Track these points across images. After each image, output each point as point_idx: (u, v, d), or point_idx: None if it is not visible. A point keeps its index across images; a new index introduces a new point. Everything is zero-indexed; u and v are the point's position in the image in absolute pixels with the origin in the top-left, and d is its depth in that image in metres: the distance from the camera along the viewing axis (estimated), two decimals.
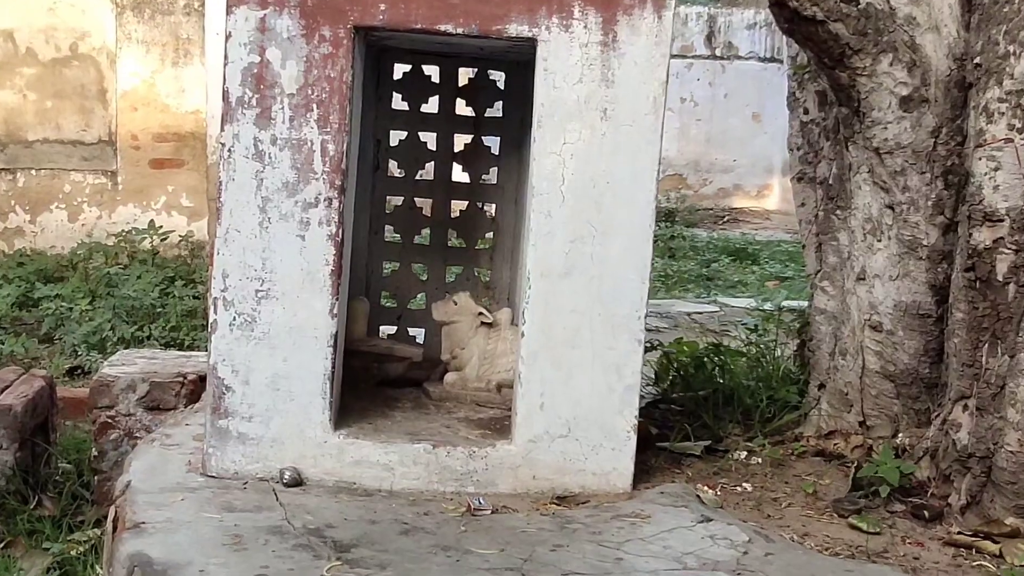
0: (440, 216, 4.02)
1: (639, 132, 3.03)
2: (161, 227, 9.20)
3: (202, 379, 4.00)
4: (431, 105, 3.95)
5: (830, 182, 3.65)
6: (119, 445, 4.23)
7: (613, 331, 3.11)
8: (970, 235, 3.03)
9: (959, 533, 2.89)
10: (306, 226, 3.02)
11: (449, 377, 3.64)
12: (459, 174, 4.07)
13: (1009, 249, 2.96)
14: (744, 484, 3.26)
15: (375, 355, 3.72)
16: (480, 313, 3.63)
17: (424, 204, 4.03)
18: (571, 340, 3.10)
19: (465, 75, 3.95)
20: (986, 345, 3.02)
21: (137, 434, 4.19)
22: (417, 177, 4.04)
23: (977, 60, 3.07)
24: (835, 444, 3.50)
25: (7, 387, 4.38)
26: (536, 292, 3.07)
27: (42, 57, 9.44)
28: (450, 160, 4.01)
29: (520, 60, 3.37)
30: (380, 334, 3.94)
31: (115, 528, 2.96)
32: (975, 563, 2.76)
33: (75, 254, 8.93)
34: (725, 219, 14.90)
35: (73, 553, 3.94)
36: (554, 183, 3.02)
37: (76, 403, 4.98)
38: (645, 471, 3.25)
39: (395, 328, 3.97)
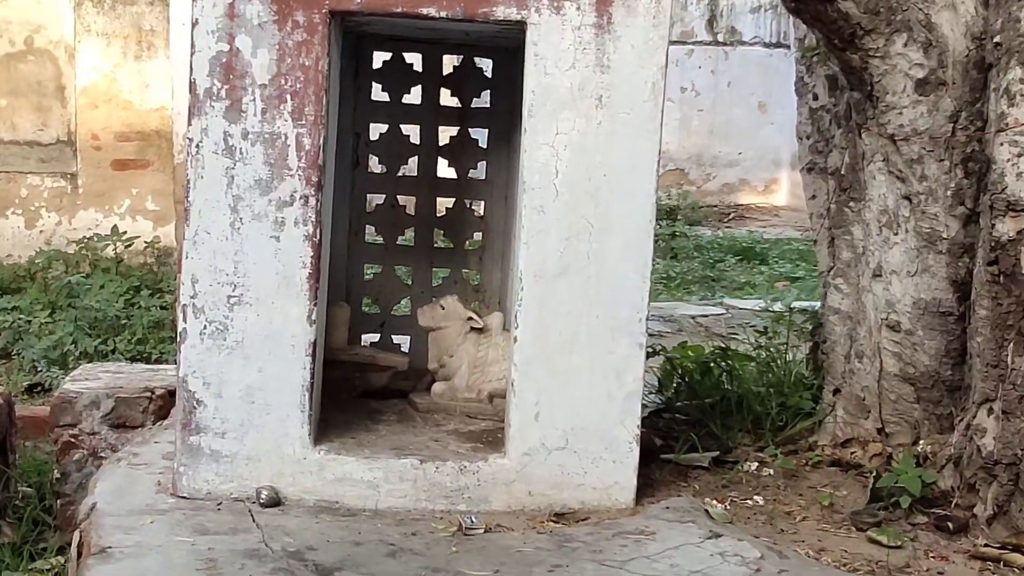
0: (425, 215, 4.02)
1: (637, 120, 3.05)
2: (125, 233, 9.10)
3: (171, 394, 3.98)
4: (413, 96, 3.94)
5: (842, 172, 3.65)
6: (83, 466, 4.17)
7: (612, 335, 3.10)
8: (992, 226, 3.03)
9: (986, 545, 2.89)
10: (281, 226, 3.01)
11: (437, 387, 3.63)
12: (445, 169, 4.08)
13: None
14: (755, 497, 3.27)
15: (357, 364, 3.72)
16: (469, 318, 3.63)
17: (408, 202, 4.01)
18: (568, 345, 3.09)
19: (450, 63, 3.96)
20: (1011, 344, 3.02)
21: (102, 454, 4.14)
22: (400, 173, 4.02)
23: (997, 39, 3.09)
24: (852, 453, 3.50)
25: None
26: (529, 294, 3.08)
27: None
28: (435, 154, 4.01)
29: (509, 46, 3.38)
30: (362, 342, 3.95)
31: (80, 554, 2.95)
32: None
33: (33, 263, 8.85)
34: (730, 216, 14.96)
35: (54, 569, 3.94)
36: (547, 176, 3.02)
37: (36, 422, 4.95)
38: (649, 485, 3.25)
39: (378, 335, 3.99)
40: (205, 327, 3.02)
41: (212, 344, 3.04)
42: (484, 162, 3.98)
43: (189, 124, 3.10)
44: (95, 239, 8.98)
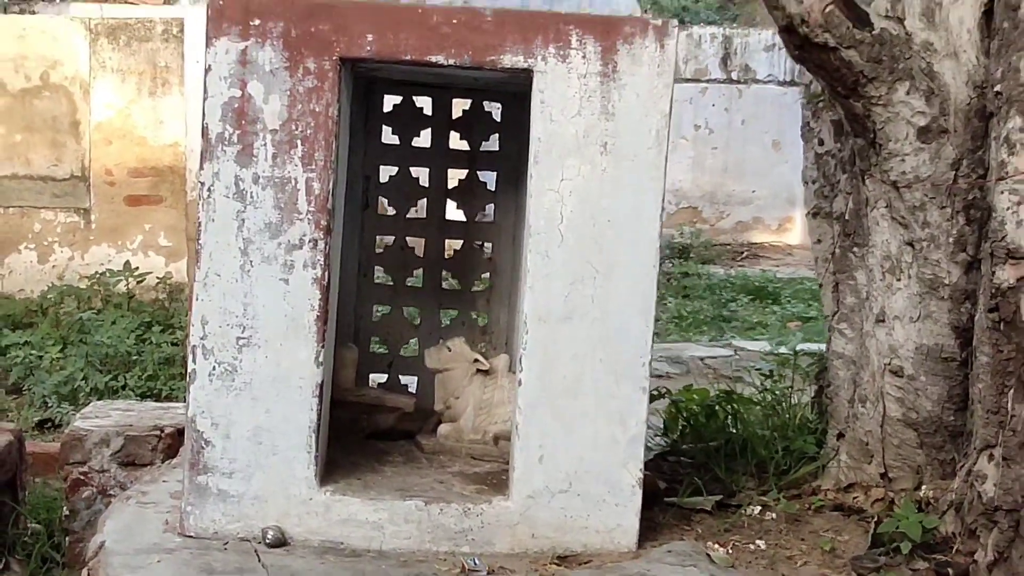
0: (433, 256, 4.03)
1: (642, 167, 3.08)
2: (137, 268, 9.14)
3: (180, 432, 3.99)
4: (423, 139, 3.97)
5: (847, 217, 3.66)
6: (92, 503, 4.22)
7: (616, 378, 3.12)
8: (993, 273, 3.03)
9: None
10: (290, 269, 3.05)
11: (443, 429, 3.65)
12: (453, 212, 4.09)
13: None
14: (757, 541, 3.26)
15: (364, 405, 3.72)
16: (476, 360, 3.63)
17: (416, 244, 4.03)
18: (572, 388, 3.11)
19: (459, 107, 3.98)
20: (1012, 391, 2.99)
21: (111, 491, 4.18)
22: (409, 215, 4.05)
23: (998, 88, 3.08)
24: (855, 497, 3.48)
25: None
26: (534, 338, 3.10)
27: (11, 87, 9.41)
28: (444, 197, 4.04)
29: (517, 91, 3.39)
30: (370, 383, 3.94)
31: None
32: None
33: (45, 298, 8.85)
34: (743, 255, 14.93)
35: None
36: (552, 222, 3.06)
37: (46, 458, 4.97)
38: (652, 528, 3.26)
39: (386, 376, 3.97)
40: (214, 368, 3.06)
41: (221, 385, 3.07)
42: (492, 204, 4.02)
43: (201, 168, 3.12)
44: (107, 274, 9.02)
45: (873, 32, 3.25)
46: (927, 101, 3.25)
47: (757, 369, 4.69)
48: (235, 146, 3.01)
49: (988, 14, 3.23)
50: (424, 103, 3.94)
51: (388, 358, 4.00)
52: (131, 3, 16.83)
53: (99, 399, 6.49)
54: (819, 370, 4.04)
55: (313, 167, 3.03)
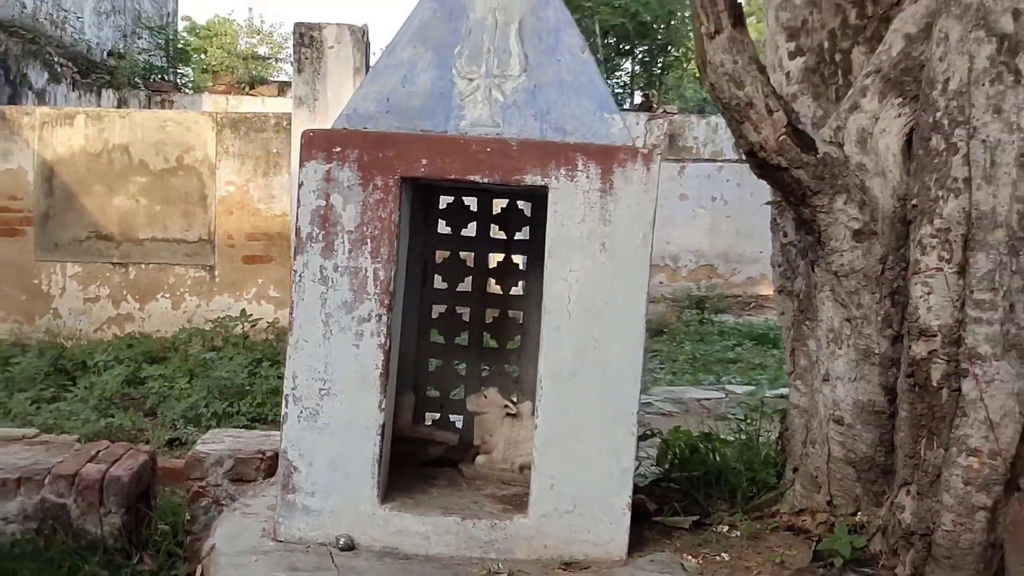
0: (476, 321, 4.08)
1: (632, 262, 3.18)
2: (251, 315, 9.41)
3: (277, 456, 3.96)
4: (470, 229, 4.04)
5: (801, 296, 3.70)
6: (208, 511, 4.30)
7: (611, 425, 3.19)
8: (910, 347, 3.15)
9: None
10: (360, 337, 3.18)
11: (479, 459, 3.73)
12: (493, 287, 4.14)
13: (941, 360, 3.06)
14: (723, 554, 3.31)
15: (418, 440, 3.78)
16: (505, 405, 3.74)
17: (463, 311, 4.08)
18: (577, 432, 3.19)
19: (498, 205, 4.05)
20: (924, 440, 3.10)
21: (223, 502, 4.27)
22: (458, 289, 4.10)
23: (914, 201, 3.19)
24: (804, 520, 3.51)
25: (117, 460, 4.52)
26: (547, 392, 3.21)
27: (152, 168, 9.72)
28: (485, 275, 4.09)
29: (543, 194, 3.43)
30: (426, 419, 3.97)
31: None
32: None
33: (177, 338, 9.10)
34: (751, 306, 14.81)
35: None
36: (561, 303, 3.17)
37: (174, 472, 5.05)
38: (640, 541, 3.30)
39: (438, 415, 3.99)
40: (301, 412, 3.19)
41: (306, 425, 3.20)
42: (523, 281, 4.03)
43: (294, 259, 3.26)
44: (227, 319, 9.31)
45: (817, 156, 3.31)
46: (860, 210, 3.32)
47: (733, 414, 4.64)
48: (320, 243, 3.15)
49: (908, 142, 3.30)
50: (471, 202, 4.02)
51: (440, 401, 4.02)
52: (252, 94, 17.25)
53: (217, 423, 6.75)
54: (782, 415, 4.04)
55: (379, 259, 3.14)
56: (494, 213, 4.05)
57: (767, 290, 15.34)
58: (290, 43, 25.12)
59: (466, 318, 4.09)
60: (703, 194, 15.74)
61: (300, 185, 3.17)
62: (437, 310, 4.08)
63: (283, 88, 18.43)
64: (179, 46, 19.65)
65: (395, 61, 3.31)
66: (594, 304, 3.17)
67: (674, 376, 9.44)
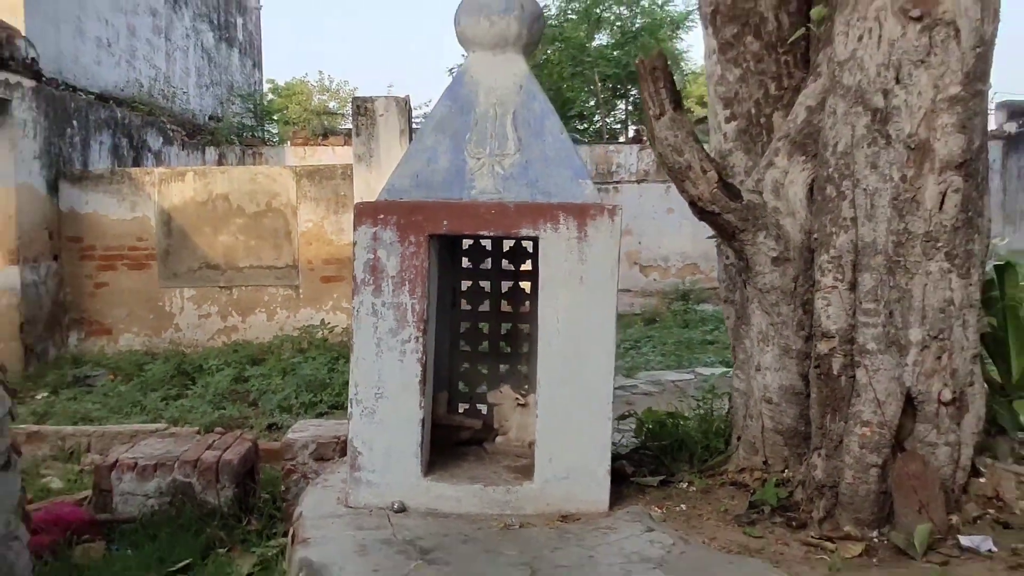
0: (494, 333, 4.12)
1: (603, 291, 3.25)
2: (329, 323, 9.34)
3: (345, 443, 3.90)
4: (487, 263, 4.11)
5: (739, 305, 3.74)
6: (298, 483, 4.38)
7: (592, 414, 3.26)
8: (816, 345, 3.21)
9: (813, 537, 3.02)
10: (404, 354, 3.28)
11: (498, 439, 3.84)
12: (506, 306, 4.15)
13: (839, 355, 3.14)
14: (681, 505, 3.36)
15: (452, 427, 3.85)
16: (517, 398, 3.85)
17: (484, 326, 4.12)
18: (566, 420, 3.27)
19: (508, 244, 4.04)
20: (829, 415, 3.17)
21: (308, 476, 4.33)
22: (479, 309, 4.13)
23: (816, 235, 3.26)
24: (744, 477, 3.56)
25: (228, 447, 4.63)
26: (544, 391, 3.29)
27: (248, 211, 9.69)
28: (499, 298, 4.11)
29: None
30: (457, 410, 4.06)
31: (292, 541, 3.20)
32: (819, 556, 2.87)
33: (271, 344, 9.08)
34: None
35: (269, 554, 4.01)
36: (552, 324, 3.25)
37: (272, 452, 5.08)
38: (620, 497, 3.36)
39: (467, 406, 4.08)
40: (363, 411, 3.29)
41: (367, 420, 3.30)
42: (528, 302, 4.00)
43: (353, 298, 3.33)
44: (310, 327, 9.26)
45: (742, 203, 3.37)
46: (776, 242, 3.39)
47: (692, 396, 4.64)
48: (371, 286, 3.26)
49: (810, 190, 3.33)
50: (487, 243, 4.04)
51: (468, 395, 4.11)
52: (324, 144, 17.34)
53: (305, 411, 6.79)
54: (728, 397, 4.07)
55: (415, 296, 3.25)
56: (504, 250, 4.08)
57: None
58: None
59: (486, 331, 4.12)
60: (686, 208, 15.39)
61: (355, 244, 3.25)
62: (464, 326, 4.12)
63: (348, 137, 18.55)
64: (264, 108, 19.73)
65: (421, 147, 3.39)
66: (576, 324, 3.25)
67: (663, 358, 9.20)
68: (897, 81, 2.98)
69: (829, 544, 2.93)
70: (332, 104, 28.18)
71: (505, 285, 4.12)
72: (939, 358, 3.02)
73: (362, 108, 8.26)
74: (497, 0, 3.42)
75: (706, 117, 4.10)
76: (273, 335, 9.39)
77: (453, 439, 3.83)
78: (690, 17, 20.33)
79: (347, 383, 7.35)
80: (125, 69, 12.15)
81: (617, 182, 15.59)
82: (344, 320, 9.38)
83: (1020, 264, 3.78)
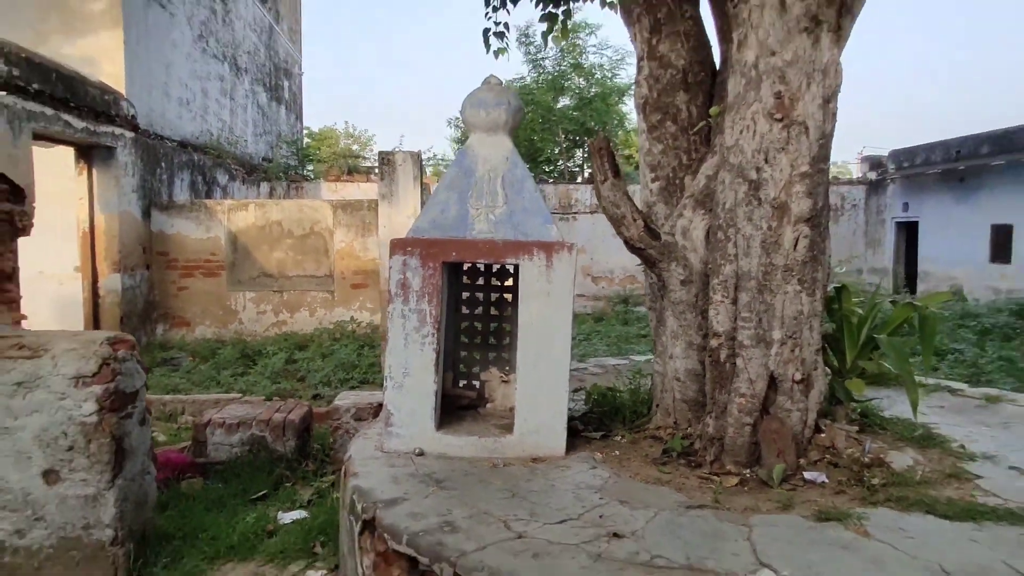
0: (486, 330, 4.10)
1: (563, 303, 3.34)
2: (357, 319, 9.57)
3: (379, 407, 4.22)
4: (480, 280, 4.10)
5: (658, 312, 3.76)
6: (342, 437, 4.51)
7: (554, 388, 3.35)
8: (709, 341, 3.33)
9: (705, 473, 3.13)
10: (423, 346, 3.38)
11: (488, 406, 3.90)
12: (493, 312, 4.11)
13: (725, 348, 3.23)
14: (615, 452, 3.43)
15: (456, 396, 3.90)
16: (501, 376, 3.91)
17: (479, 325, 4.10)
18: (536, 393, 3.35)
19: (496, 267, 3.98)
20: (717, 389, 3.28)
21: (351, 432, 4.50)
22: (475, 312, 4.10)
23: (710, 265, 3.36)
24: (660, 432, 3.61)
25: (291, 410, 4.79)
26: (520, 372, 3.37)
27: (296, 234, 9.90)
28: (490, 306, 4.10)
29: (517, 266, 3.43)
30: (459, 384, 4.03)
31: (344, 475, 3.27)
32: (709, 485, 2.98)
33: (313, 335, 9.28)
34: None
35: (322, 487, 4.25)
36: (528, 325, 3.35)
37: (320, 415, 5.32)
38: (573, 446, 3.42)
39: (466, 381, 4.05)
40: (394, 384, 3.39)
41: (397, 391, 3.39)
42: (510, 308, 3.97)
43: (388, 305, 3.37)
44: (342, 323, 9.46)
45: (661, 242, 3.53)
46: (684, 269, 3.50)
47: (626, 375, 4.60)
48: (401, 297, 3.38)
49: (707, 235, 3.41)
50: (482, 267, 4.02)
51: (466, 374, 4.07)
52: (350, 180, 17.52)
53: (341, 385, 6.95)
54: (651, 376, 4.01)
55: (432, 304, 3.37)
56: (494, 270, 4.07)
57: None
58: (373, 144, 25.31)
59: (480, 328, 4.11)
60: None
61: (390, 268, 3.35)
62: (464, 324, 4.13)
63: (368, 174, 18.72)
64: (304, 151, 19.87)
65: (437, 200, 3.52)
66: (544, 325, 3.34)
67: (608, 347, 9.37)
68: (766, 161, 3.10)
69: (716, 478, 3.06)
70: (355, 147, 28.24)
71: (494, 296, 4.12)
72: (793, 351, 3.13)
73: (386, 159, 8.52)
74: (491, 98, 3.52)
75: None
76: (314, 328, 9.50)
77: (456, 405, 3.85)
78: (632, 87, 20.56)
79: (371, 365, 7.90)
80: (200, 122, 12.29)
81: (575, 213, 15.88)
82: (368, 317, 9.62)
83: (853, 285, 3.99)
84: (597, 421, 3.87)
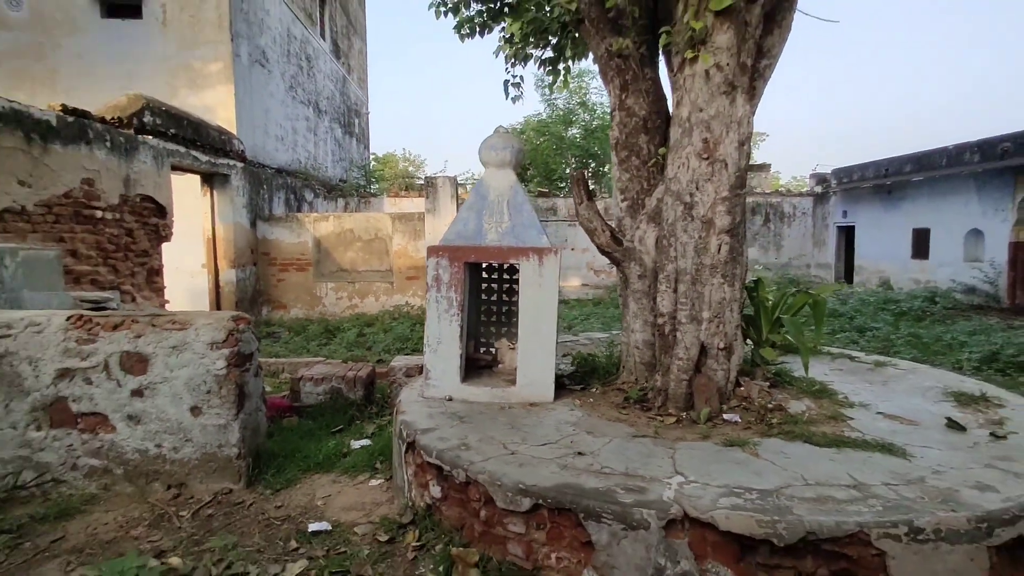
0: (499, 310, 4.13)
1: (551, 291, 3.45)
2: (411, 304, 9.74)
3: (421, 367, 4.33)
4: (494, 275, 4.13)
5: (625, 298, 3.72)
6: (396, 388, 4.70)
7: (544, 353, 3.45)
8: (657, 319, 3.41)
9: (653, 415, 3.22)
10: (451, 322, 3.51)
11: (499, 366, 3.97)
12: (504, 297, 4.13)
13: (668, 325, 3.31)
14: (590, 399, 3.49)
15: (476, 359, 3.97)
16: (509, 345, 4.04)
17: (493, 307, 4.10)
18: (532, 356, 3.45)
19: (505, 264, 3.98)
20: (664, 355, 3.35)
21: (402, 384, 4.68)
22: (491, 298, 4.13)
23: (658, 263, 3.43)
24: (624, 386, 3.65)
25: (360, 369, 4.95)
26: (521, 342, 3.48)
27: (364, 239, 10.13)
28: (502, 294, 4.13)
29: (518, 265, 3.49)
30: (480, 350, 4.08)
31: (395, 413, 3.38)
32: (655, 423, 3.07)
33: (377, 316, 9.48)
34: None
35: (382, 423, 4.38)
36: (526, 307, 3.46)
37: (382, 373, 5.42)
38: (559, 395, 3.53)
39: (484, 348, 4.10)
40: (431, 350, 3.52)
41: (433, 355, 3.52)
42: (516, 295, 3.98)
43: (427, 293, 3.47)
44: (399, 306, 9.66)
45: (623, 247, 3.60)
46: (640, 267, 3.57)
47: (604, 345, 4.59)
48: (435, 287, 3.51)
49: (657, 241, 3.40)
50: (494, 264, 4.03)
51: (485, 343, 4.11)
52: (405, 196, 17.81)
53: (398, 352, 7.18)
54: (618, 345, 4.01)
55: (457, 292, 3.50)
56: (503, 268, 4.11)
57: None
58: (424, 166, 25.53)
59: (494, 309, 4.15)
60: None
61: (428, 268, 3.50)
62: (483, 307, 4.16)
63: (421, 191, 18.98)
64: (370, 173, 20.20)
65: (460, 218, 3.62)
66: (537, 307, 3.46)
67: (601, 324, 9.33)
68: (697, 189, 3.20)
69: (659, 418, 3.19)
70: (410, 168, 28.56)
71: (504, 286, 4.16)
72: (718, 327, 3.24)
73: (431, 182, 8.81)
74: (500, 143, 3.63)
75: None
76: (378, 310, 9.80)
77: (476, 365, 3.94)
78: None
79: (421, 338, 8.09)
80: (291, 153, 12.60)
81: None
82: (419, 302, 9.80)
83: (802, 277, 4.10)
84: (579, 378, 3.91)
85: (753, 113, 3.23)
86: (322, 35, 14.87)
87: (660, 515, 2.15)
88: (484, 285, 4.14)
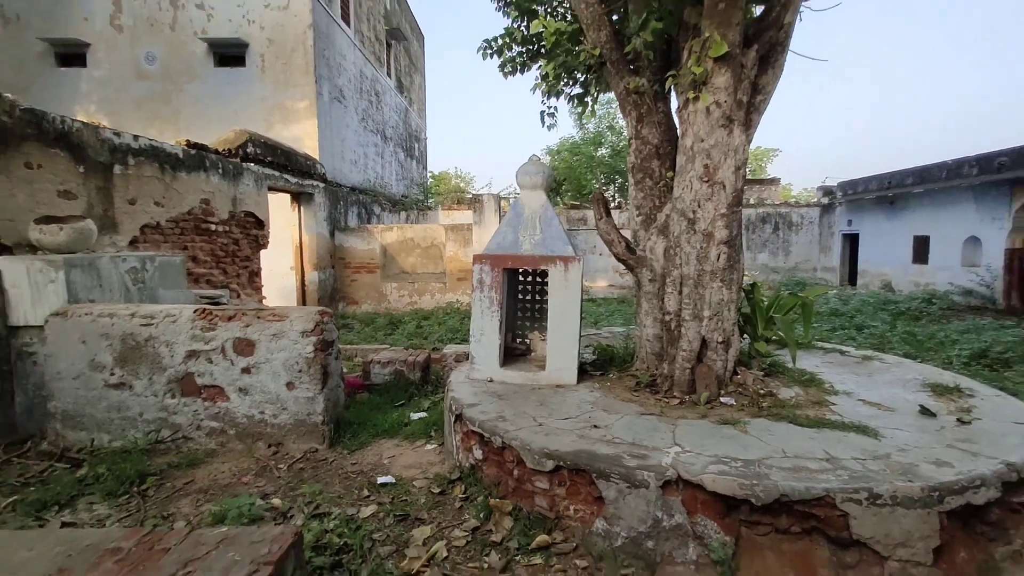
0: (533, 308, 4.10)
1: (575, 292, 3.46)
2: (461, 301, 9.85)
3: (468, 354, 4.12)
4: (529, 279, 4.10)
5: (639, 298, 3.71)
6: (447, 371, 4.72)
7: (569, 344, 3.46)
8: (664, 317, 3.39)
9: (660, 397, 3.21)
10: (492, 317, 3.55)
11: (532, 355, 3.95)
12: (538, 299, 4.08)
13: (674, 321, 3.31)
14: (608, 383, 3.48)
15: (513, 348, 4.00)
16: (541, 337, 3.99)
17: (528, 305, 4.08)
18: (559, 347, 3.46)
19: (537, 270, 3.87)
20: (670, 347, 3.35)
21: (452, 367, 4.72)
22: (526, 297, 4.10)
23: (666, 270, 3.40)
24: (637, 372, 3.55)
25: (418, 355, 5.02)
26: (550, 334, 3.48)
27: (422, 246, 10.32)
28: (535, 295, 4.10)
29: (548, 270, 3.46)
30: (516, 340, 4.06)
31: (446, 391, 3.46)
32: (662, 404, 3.08)
33: (433, 311, 9.54)
34: None
35: (436, 399, 4.44)
36: (555, 305, 3.47)
37: (436, 359, 5.43)
38: (581, 380, 3.51)
39: (520, 339, 4.07)
40: (476, 340, 3.57)
41: (477, 344, 3.56)
42: (548, 295, 3.55)
43: (473, 292, 3.53)
44: (451, 303, 9.91)
45: (636, 255, 3.60)
46: (651, 273, 3.47)
47: (622, 337, 4.56)
48: (479, 288, 3.56)
49: (665, 251, 3.46)
50: (528, 269, 3.95)
51: (520, 335, 4.08)
52: (457, 208, 18.12)
53: (451, 341, 7.24)
54: (635, 338, 3.81)
55: (497, 292, 3.54)
56: (536, 273, 4.04)
57: None
58: (474, 182, 25.70)
59: (529, 307, 4.12)
60: None
61: (474, 273, 3.56)
62: (520, 305, 4.13)
63: (471, 205, 19.22)
64: (427, 189, 20.50)
65: (500, 231, 3.67)
66: (563, 305, 3.47)
67: (623, 320, 9.10)
68: (698, 207, 3.21)
69: (665, 400, 3.20)
70: (461, 184, 28.84)
71: (537, 288, 4.12)
72: (717, 324, 3.23)
73: (477, 199, 8.99)
74: (533, 169, 3.68)
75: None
76: (433, 306, 10.06)
77: (513, 353, 3.96)
78: None
79: (469, 329, 8.07)
80: (362, 174, 12.89)
81: None
82: (467, 300, 9.93)
83: (809, 279, 4.02)
84: (599, 365, 3.90)
85: (749, 141, 3.26)
86: (388, 74, 15.30)
87: (658, 476, 2.25)
88: (520, 287, 4.15)
